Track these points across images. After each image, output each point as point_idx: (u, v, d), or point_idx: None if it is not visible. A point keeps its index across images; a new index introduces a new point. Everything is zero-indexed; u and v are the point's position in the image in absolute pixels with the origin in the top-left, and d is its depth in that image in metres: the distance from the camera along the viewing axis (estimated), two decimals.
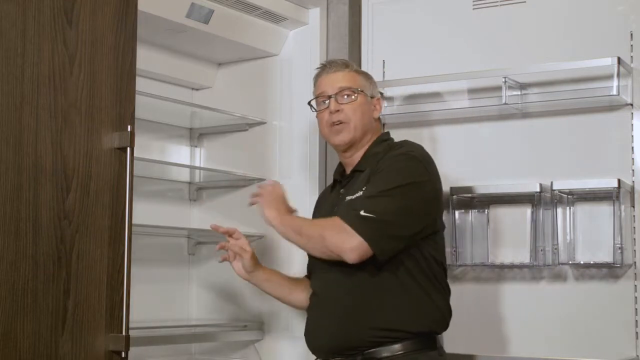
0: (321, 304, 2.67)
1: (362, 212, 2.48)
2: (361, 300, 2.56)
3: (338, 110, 2.74)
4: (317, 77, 2.85)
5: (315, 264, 2.73)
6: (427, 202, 2.61)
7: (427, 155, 2.68)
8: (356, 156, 2.77)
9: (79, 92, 2.24)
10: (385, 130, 2.86)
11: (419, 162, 2.62)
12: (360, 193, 2.61)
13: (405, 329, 2.55)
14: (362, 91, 2.76)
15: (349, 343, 2.57)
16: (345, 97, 2.74)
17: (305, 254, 2.85)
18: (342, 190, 2.76)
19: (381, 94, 3.13)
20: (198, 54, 3.54)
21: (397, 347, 2.54)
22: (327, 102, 2.77)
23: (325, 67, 2.83)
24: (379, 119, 2.86)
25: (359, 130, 2.74)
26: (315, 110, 2.84)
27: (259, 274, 2.94)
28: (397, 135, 2.91)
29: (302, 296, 2.87)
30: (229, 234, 2.92)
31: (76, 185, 2.21)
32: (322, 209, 2.86)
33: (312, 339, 2.69)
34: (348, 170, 2.80)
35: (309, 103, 2.90)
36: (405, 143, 2.73)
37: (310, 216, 2.97)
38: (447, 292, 2.68)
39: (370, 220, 2.48)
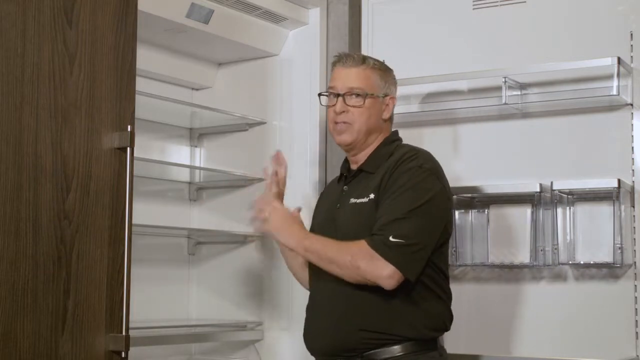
0: (319, 305, 2.67)
1: (390, 238, 2.48)
2: (357, 304, 2.56)
3: (344, 111, 2.71)
4: (332, 67, 2.80)
5: (314, 266, 2.72)
6: (442, 217, 2.62)
7: (438, 165, 2.67)
8: (361, 155, 2.75)
9: (79, 92, 2.24)
10: (394, 129, 2.81)
11: (432, 176, 2.61)
12: (366, 199, 2.61)
13: (402, 334, 2.55)
14: (372, 94, 2.71)
15: (345, 345, 2.57)
16: (354, 98, 2.70)
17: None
18: (345, 187, 2.74)
19: None
20: (198, 54, 3.54)
21: (396, 349, 2.54)
22: (336, 98, 2.73)
23: (342, 59, 2.76)
24: (390, 117, 2.80)
25: (362, 133, 2.71)
26: (325, 103, 2.79)
27: None
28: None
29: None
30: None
31: (76, 185, 2.21)
32: (326, 202, 2.84)
33: (310, 341, 2.69)
34: (353, 167, 2.78)
35: (320, 95, 2.85)
36: (416, 152, 2.67)
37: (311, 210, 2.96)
38: (448, 298, 2.66)
39: (399, 246, 2.48)
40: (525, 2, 3.16)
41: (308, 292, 2.82)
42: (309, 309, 2.72)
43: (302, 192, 3.39)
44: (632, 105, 2.97)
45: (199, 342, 3.49)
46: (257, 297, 3.46)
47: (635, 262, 2.92)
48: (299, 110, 3.47)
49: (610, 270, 2.95)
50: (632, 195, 2.94)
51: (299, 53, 3.50)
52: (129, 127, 2.31)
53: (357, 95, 2.70)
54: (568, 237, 3.00)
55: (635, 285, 2.92)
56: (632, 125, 2.97)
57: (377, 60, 2.80)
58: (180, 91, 3.60)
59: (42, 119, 2.15)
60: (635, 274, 2.92)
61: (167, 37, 3.28)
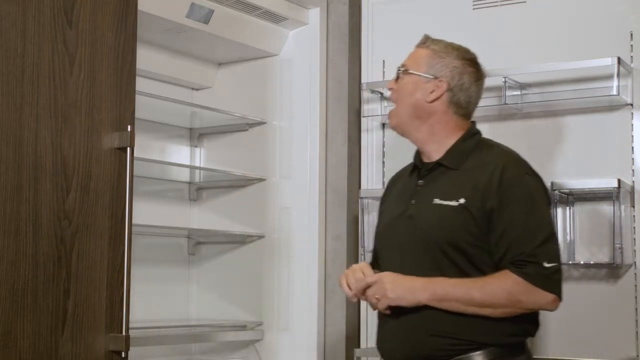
0: (395, 313, 2.44)
1: (545, 265, 2.36)
2: (432, 309, 2.38)
3: (392, 88, 2.58)
4: None
5: (388, 270, 2.49)
6: None
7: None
8: (431, 148, 2.52)
9: (79, 92, 2.24)
10: (472, 121, 2.59)
11: (542, 186, 2.48)
12: (455, 203, 2.39)
13: (486, 341, 2.38)
14: (408, 71, 2.52)
15: (426, 352, 2.40)
16: (400, 75, 2.54)
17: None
18: (420, 182, 2.52)
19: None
20: (198, 54, 3.54)
21: (481, 355, 2.38)
22: None
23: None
24: (448, 104, 2.48)
25: (402, 115, 2.52)
26: None
27: None
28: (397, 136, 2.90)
29: None
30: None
31: (76, 185, 2.21)
32: (397, 195, 2.60)
33: (387, 349, 2.50)
34: (425, 158, 2.55)
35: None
36: (514, 158, 2.47)
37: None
38: None
39: (554, 271, 2.38)
40: (525, 2, 3.16)
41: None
42: (384, 317, 2.50)
43: (302, 193, 3.40)
44: (632, 105, 2.97)
45: (199, 342, 3.49)
46: (257, 297, 3.46)
47: (635, 262, 2.92)
48: (299, 110, 3.47)
49: (610, 270, 2.95)
50: (632, 195, 2.94)
51: (299, 53, 3.50)
52: (129, 127, 2.32)
53: (398, 73, 2.55)
54: (568, 237, 3.00)
55: (635, 285, 2.92)
56: (632, 125, 2.97)
57: (442, 42, 2.55)
58: (180, 91, 3.60)
59: (42, 119, 2.15)
60: (635, 274, 2.92)
61: (167, 37, 3.28)
